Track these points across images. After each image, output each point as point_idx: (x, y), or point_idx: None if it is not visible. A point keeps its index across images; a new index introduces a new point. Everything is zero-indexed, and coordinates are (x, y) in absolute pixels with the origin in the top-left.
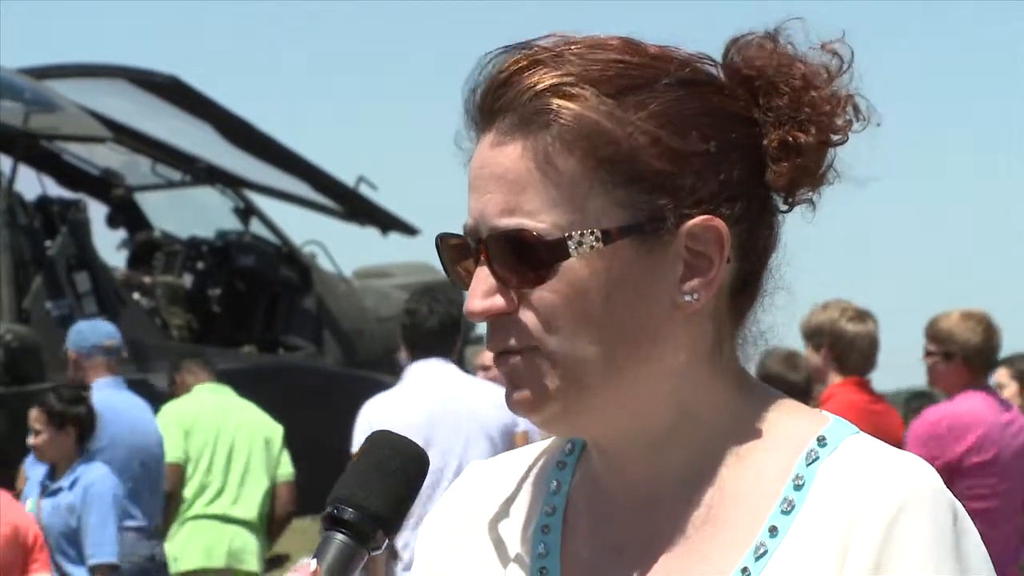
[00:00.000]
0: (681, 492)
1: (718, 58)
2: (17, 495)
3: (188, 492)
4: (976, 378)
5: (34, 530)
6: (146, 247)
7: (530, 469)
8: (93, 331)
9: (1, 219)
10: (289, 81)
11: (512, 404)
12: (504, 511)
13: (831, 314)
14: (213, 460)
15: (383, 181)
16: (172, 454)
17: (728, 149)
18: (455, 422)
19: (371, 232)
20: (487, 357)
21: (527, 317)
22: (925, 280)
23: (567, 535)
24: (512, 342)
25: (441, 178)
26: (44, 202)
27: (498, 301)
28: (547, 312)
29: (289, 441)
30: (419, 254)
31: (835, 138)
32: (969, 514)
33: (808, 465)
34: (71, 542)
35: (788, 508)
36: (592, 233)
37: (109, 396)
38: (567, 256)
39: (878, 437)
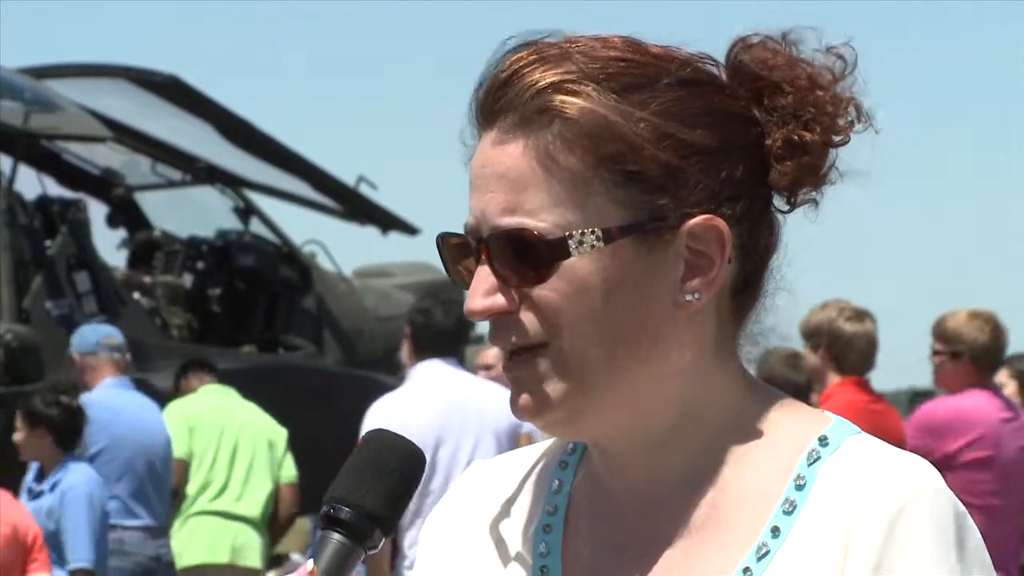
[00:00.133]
0: (682, 492)
1: (719, 58)
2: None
3: (191, 488)
4: (982, 377)
5: (34, 530)
6: (146, 247)
7: (532, 469)
8: (95, 331)
9: (1, 219)
10: (289, 81)
11: (516, 410)
12: (506, 510)
13: (829, 314)
14: (217, 457)
15: (383, 181)
16: (176, 450)
17: (729, 149)
18: (465, 423)
19: (371, 232)
20: (488, 356)
21: (528, 316)
22: (927, 280)
23: (568, 534)
24: (514, 339)
25: (441, 178)
26: (44, 202)
27: (499, 300)
28: (548, 311)
29: (289, 441)
30: (419, 254)
31: (837, 138)
32: (968, 511)
33: (810, 465)
34: (53, 545)
35: (790, 508)
36: (593, 232)
37: (112, 396)
38: (568, 255)
39: (878, 437)
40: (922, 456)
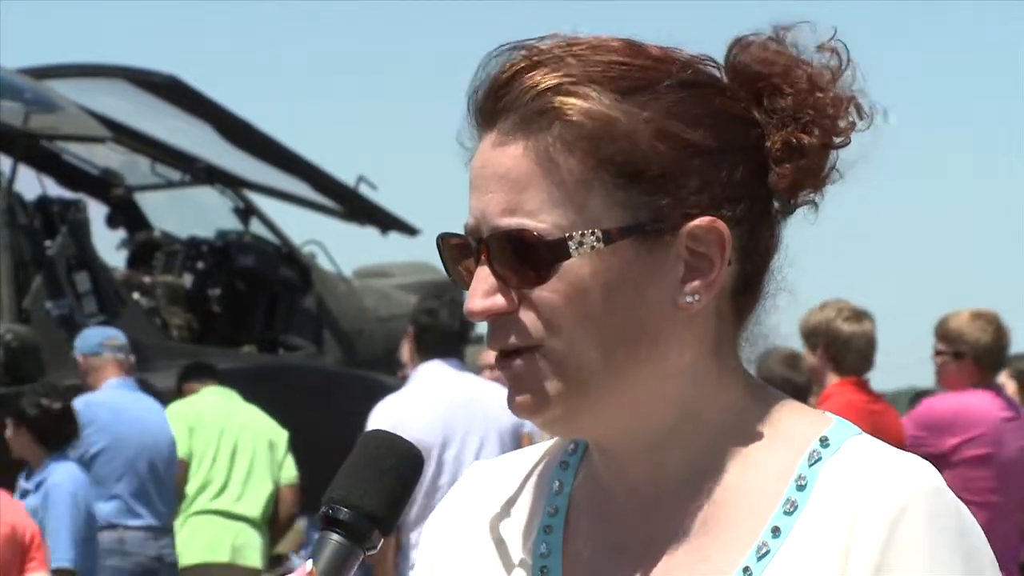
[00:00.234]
0: (683, 492)
1: (720, 59)
2: None
3: (191, 488)
4: (985, 378)
5: (32, 529)
6: (146, 247)
7: (533, 469)
8: (98, 333)
9: (1, 219)
10: (289, 81)
11: (514, 407)
12: (506, 511)
13: (827, 314)
14: (217, 457)
15: (383, 181)
16: (177, 450)
17: (730, 150)
18: (471, 422)
19: (371, 232)
20: (491, 356)
21: (527, 317)
22: (928, 280)
23: (569, 535)
24: (512, 340)
25: (441, 178)
26: (44, 202)
27: (498, 300)
28: (547, 312)
29: (289, 441)
30: (419, 254)
31: (838, 140)
32: (973, 508)
33: (811, 466)
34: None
35: (790, 508)
36: (593, 233)
37: (114, 396)
38: (567, 256)
39: (877, 437)
40: (920, 450)
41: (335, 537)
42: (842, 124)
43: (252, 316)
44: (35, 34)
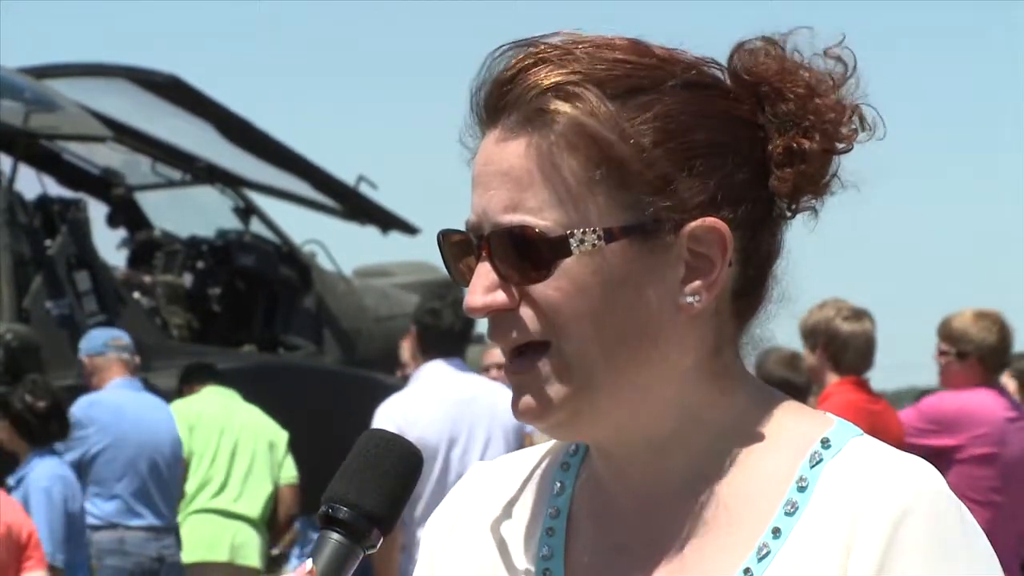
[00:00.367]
0: (684, 494)
1: (723, 62)
2: None
3: (191, 486)
4: (989, 378)
5: (28, 528)
6: (146, 246)
7: (534, 470)
8: (103, 333)
9: (1, 218)
10: (289, 80)
11: (518, 413)
12: (508, 512)
13: (827, 313)
14: (217, 455)
15: (383, 180)
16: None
17: (732, 152)
18: (475, 421)
19: (371, 231)
20: (496, 355)
21: (528, 313)
22: (928, 280)
23: (571, 537)
24: (513, 335)
25: (441, 178)
26: (44, 201)
27: (499, 297)
28: (548, 308)
29: (289, 440)
30: (419, 253)
31: (840, 146)
32: (970, 507)
33: (812, 467)
34: None
35: (791, 510)
36: (594, 232)
37: (116, 396)
38: (569, 254)
39: (877, 436)
40: (922, 443)
41: (335, 536)
42: (844, 131)
43: (252, 315)
44: (35, 34)
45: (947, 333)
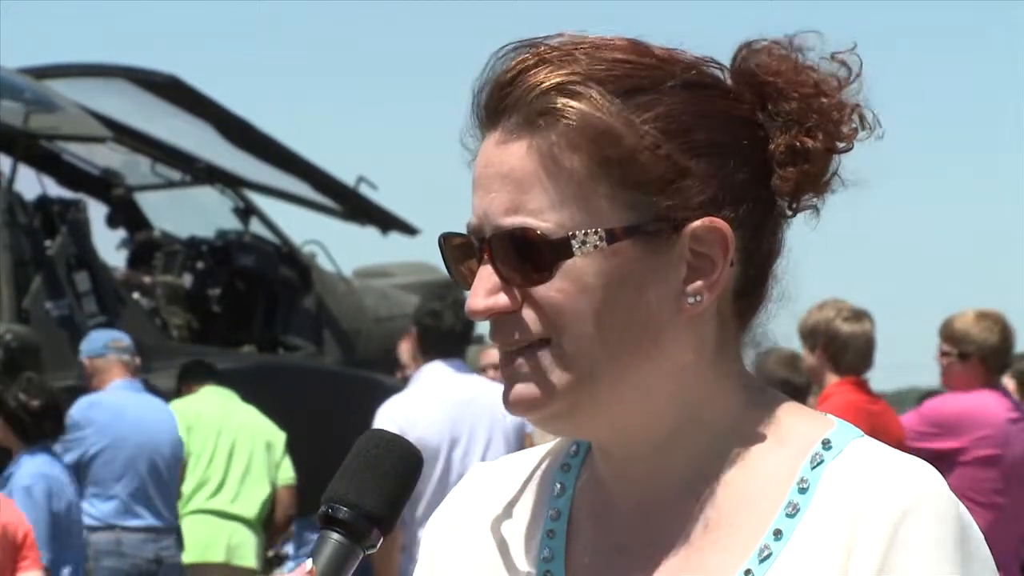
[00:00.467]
0: (685, 494)
1: (724, 61)
2: None
3: (187, 487)
4: (990, 379)
5: (24, 528)
6: (146, 247)
7: (534, 471)
8: (103, 335)
9: (1, 219)
10: (289, 81)
11: (510, 403)
12: (508, 513)
13: (826, 314)
14: (214, 456)
15: (383, 181)
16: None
17: (733, 152)
18: (477, 421)
19: (371, 232)
20: (493, 356)
21: (530, 315)
22: (928, 280)
23: (572, 539)
24: (516, 336)
25: (441, 178)
26: (44, 202)
27: (501, 299)
28: (550, 310)
29: (289, 440)
30: (419, 254)
31: (841, 145)
32: (973, 509)
33: (813, 468)
34: None
35: (792, 511)
36: (596, 233)
37: (116, 397)
38: (570, 255)
39: (876, 437)
40: (925, 447)
41: (335, 536)
42: (846, 129)
43: (252, 316)
44: (35, 34)
45: (949, 334)
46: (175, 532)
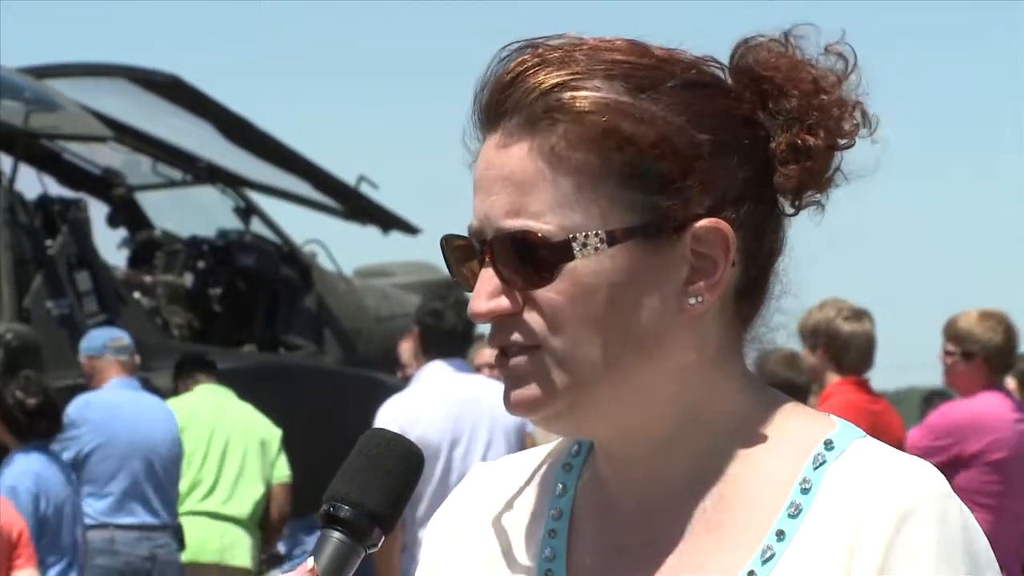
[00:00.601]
0: (687, 495)
1: (724, 60)
2: None
3: (181, 488)
4: (994, 379)
5: (18, 526)
6: (147, 246)
7: (536, 471)
8: (102, 334)
9: (1, 218)
10: (290, 80)
11: (512, 403)
12: (510, 514)
13: (827, 313)
14: (207, 457)
15: (384, 180)
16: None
17: (734, 151)
18: (478, 421)
19: (372, 231)
20: (488, 355)
21: (532, 317)
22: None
23: (573, 539)
24: (517, 339)
25: (442, 178)
26: (45, 201)
27: (503, 302)
28: (551, 312)
29: (289, 440)
30: (420, 253)
31: (842, 142)
32: (982, 511)
33: (815, 469)
34: None
35: (795, 512)
36: (597, 235)
37: (110, 396)
38: (572, 257)
39: (877, 436)
40: (940, 458)
41: (336, 535)
42: (847, 126)
43: (253, 315)
44: (35, 34)
45: (953, 333)
46: (172, 529)
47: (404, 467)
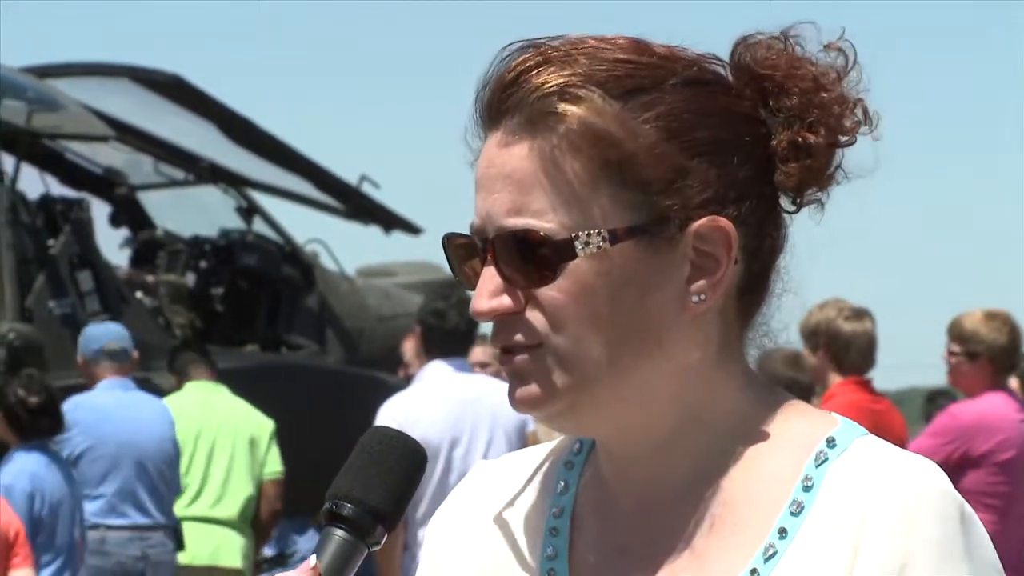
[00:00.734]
0: (689, 494)
1: (725, 58)
2: None
3: None
4: (999, 379)
5: (15, 526)
6: (149, 246)
7: (537, 469)
8: (98, 336)
9: (4, 218)
10: (292, 80)
11: (516, 401)
12: (511, 511)
13: (828, 313)
14: (192, 461)
15: (386, 180)
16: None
17: (735, 149)
18: (479, 420)
19: (374, 231)
20: (479, 354)
21: (534, 316)
22: (931, 280)
23: (575, 537)
24: (519, 338)
25: (444, 177)
26: (47, 201)
27: (505, 301)
28: (553, 311)
29: (291, 440)
30: (422, 253)
31: (843, 139)
32: (988, 511)
33: (817, 467)
34: None
35: (797, 510)
36: (599, 233)
37: (101, 397)
38: (574, 256)
39: (880, 435)
40: (946, 459)
41: (339, 533)
42: (847, 123)
43: (255, 315)
44: (37, 33)
45: (957, 333)
46: (166, 529)
47: (406, 464)
